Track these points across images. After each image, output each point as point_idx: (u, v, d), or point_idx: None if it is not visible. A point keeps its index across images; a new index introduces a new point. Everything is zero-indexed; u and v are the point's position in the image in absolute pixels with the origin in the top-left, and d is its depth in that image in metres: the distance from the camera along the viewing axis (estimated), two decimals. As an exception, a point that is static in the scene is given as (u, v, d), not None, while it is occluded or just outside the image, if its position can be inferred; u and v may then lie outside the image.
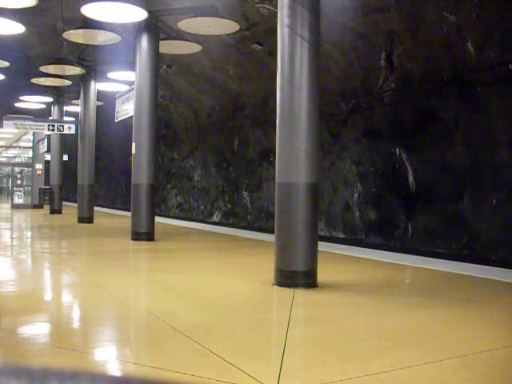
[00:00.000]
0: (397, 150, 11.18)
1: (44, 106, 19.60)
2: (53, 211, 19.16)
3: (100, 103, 17.82)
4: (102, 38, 11.08)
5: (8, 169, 29.29)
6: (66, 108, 19.50)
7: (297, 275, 5.55)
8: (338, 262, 7.78)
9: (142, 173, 10.30)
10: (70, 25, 10.84)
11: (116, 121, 13.00)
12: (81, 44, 11.96)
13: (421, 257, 8.16)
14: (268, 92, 13.94)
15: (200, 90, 17.27)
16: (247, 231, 12.75)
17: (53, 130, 15.87)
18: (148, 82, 10.35)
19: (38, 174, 23.03)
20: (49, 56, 13.90)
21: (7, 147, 33.08)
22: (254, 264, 7.58)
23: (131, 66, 11.13)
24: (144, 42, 10.26)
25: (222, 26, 10.06)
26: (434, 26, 9.64)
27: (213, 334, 3.89)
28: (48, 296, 5.70)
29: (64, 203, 21.02)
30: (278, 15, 5.81)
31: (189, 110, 19.07)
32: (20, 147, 29.02)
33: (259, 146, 15.84)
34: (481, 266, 7.14)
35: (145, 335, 4.09)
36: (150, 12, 9.64)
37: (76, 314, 4.84)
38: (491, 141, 9.39)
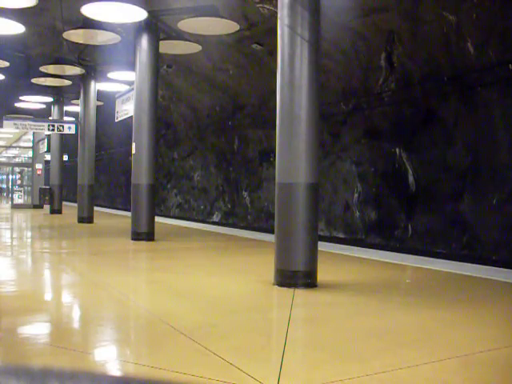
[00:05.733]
0: (397, 149, 11.18)
1: (44, 106, 19.59)
2: (53, 211, 19.16)
3: (100, 103, 17.82)
4: (101, 37, 11.08)
5: (8, 169, 29.28)
6: (66, 108, 19.50)
7: (297, 275, 5.54)
8: (338, 261, 7.78)
9: (141, 173, 10.30)
10: (70, 25, 10.84)
11: (116, 121, 13.00)
12: (81, 44, 11.96)
13: (421, 257, 8.15)
14: (268, 92, 13.94)
15: (200, 90, 17.27)
16: (247, 231, 12.75)
17: (53, 130, 15.87)
18: (148, 82, 10.35)
19: (38, 174, 23.03)
20: (49, 56, 13.90)
21: (7, 147, 33.08)
22: (254, 264, 7.58)
23: (131, 66, 11.13)
24: (144, 42, 10.26)
25: (222, 26, 10.06)
26: (433, 25, 9.64)
27: (213, 333, 3.89)
28: (48, 296, 5.70)
29: (64, 203, 21.03)
30: (278, 15, 5.81)
31: (189, 109, 19.07)
32: (20, 147, 29.01)
33: (259, 146, 15.83)
34: (481, 266, 7.14)
35: (145, 335, 4.09)
36: (149, 12, 9.64)
37: (76, 314, 4.84)
38: (491, 141, 9.39)
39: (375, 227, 11.81)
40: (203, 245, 10.42)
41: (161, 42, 10.64)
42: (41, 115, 20.49)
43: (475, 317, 4.50)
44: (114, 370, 3.21)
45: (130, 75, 12.44)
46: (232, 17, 10.38)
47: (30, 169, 23.96)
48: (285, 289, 5.45)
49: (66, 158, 23.38)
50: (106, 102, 18.32)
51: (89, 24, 10.15)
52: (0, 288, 5.67)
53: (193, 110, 18.91)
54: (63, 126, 15.78)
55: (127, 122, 12.39)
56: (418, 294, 5.53)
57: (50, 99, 18.22)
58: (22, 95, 17.54)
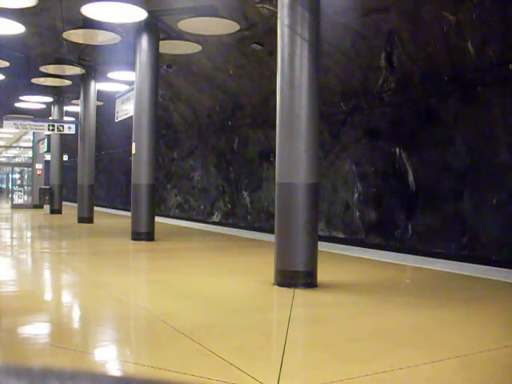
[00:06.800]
0: (397, 149, 11.18)
1: (44, 106, 19.59)
2: (53, 211, 19.17)
3: (100, 103, 17.82)
4: (101, 37, 11.07)
5: (8, 169, 29.29)
6: (66, 108, 19.50)
7: (297, 275, 5.54)
8: (338, 262, 7.78)
9: (141, 173, 10.30)
10: (70, 25, 10.83)
11: (116, 121, 13.01)
12: (81, 44, 11.96)
13: (421, 257, 8.15)
14: (268, 92, 13.94)
15: (200, 90, 17.27)
16: (247, 231, 12.74)
17: (53, 129, 15.87)
18: (148, 82, 10.34)
19: (38, 174, 23.03)
20: (49, 56, 13.90)
21: (7, 147, 33.08)
22: (254, 264, 7.58)
23: (131, 65, 11.12)
24: (144, 42, 10.26)
25: (222, 26, 10.05)
26: (434, 25, 9.64)
27: (213, 333, 3.89)
28: (48, 296, 5.70)
29: (64, 203, 21.02)
30: (278, 15, 5.81)
31: (189, 109, 19.07)
32: (20, 147, 29.02)
33: (259, 146, 15.83)
34: (481, 266, 7.14)
35: (145, 335, 4.09)
36: (149, 12, 9.63)
37: (76, 314, 4.84)
38: (491, 141, 9.39)
39: (375, 227, 11.81)
40: (203, 245, 10.42)
41: (161, 42, 10.64)
42: (41, 115, 20.48)
43: (475, 317, 4.50)
44: (114, 369, 3.21)
45: (130, 75, 12.44)
46: (232, 17, 10.38)
47: (30, 169, 23.96)
48: (285, 289, 5.45)
49: (65, 157, 23.37)
50: (106, 102, 18.31)
51: (89, 24, 10.15)
52: (0, 288, 5.67)
53: (193, 110, 18.91)
54: (63, 126, 15.78)
55: (127, 122, 12.39)
56: (418, 294, 5.53)
57: (50, 99, 18.22)
58: (22, 95, 17.53)
